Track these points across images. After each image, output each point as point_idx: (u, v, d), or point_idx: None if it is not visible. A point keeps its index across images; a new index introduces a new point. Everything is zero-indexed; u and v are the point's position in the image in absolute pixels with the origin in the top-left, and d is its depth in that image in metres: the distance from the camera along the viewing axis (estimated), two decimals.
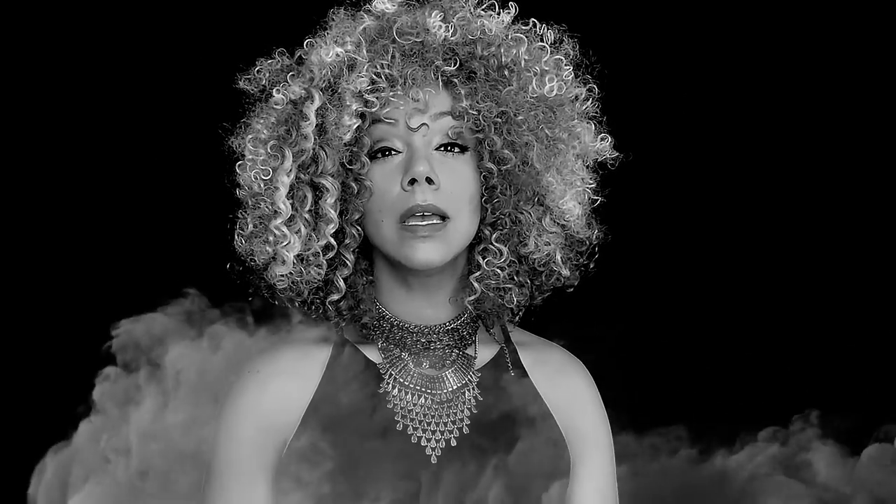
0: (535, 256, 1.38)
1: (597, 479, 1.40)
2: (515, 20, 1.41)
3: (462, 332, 1.39)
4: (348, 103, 1.31)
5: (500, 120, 1.33)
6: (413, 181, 1.30)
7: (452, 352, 1.38)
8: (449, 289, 1.38)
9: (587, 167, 1.42)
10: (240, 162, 1.38)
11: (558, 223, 1.38)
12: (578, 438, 1.40)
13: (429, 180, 1.30)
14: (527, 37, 1.38)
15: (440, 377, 1.37)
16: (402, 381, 1.35)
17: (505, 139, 1.33)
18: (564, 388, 1.41)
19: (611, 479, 1.42)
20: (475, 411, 1.35)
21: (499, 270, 1.37)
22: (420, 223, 1.31)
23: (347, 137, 1.31)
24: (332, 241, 1.33)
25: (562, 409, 1.40)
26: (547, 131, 1.35)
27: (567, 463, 1.37)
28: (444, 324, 1.38)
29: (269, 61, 1.40)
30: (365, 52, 1.32)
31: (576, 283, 1.42)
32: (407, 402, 1.34)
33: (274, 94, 1.35)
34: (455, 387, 1.36)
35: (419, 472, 1.30)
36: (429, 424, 1.33)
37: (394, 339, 1.37)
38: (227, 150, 1.40)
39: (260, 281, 1.37)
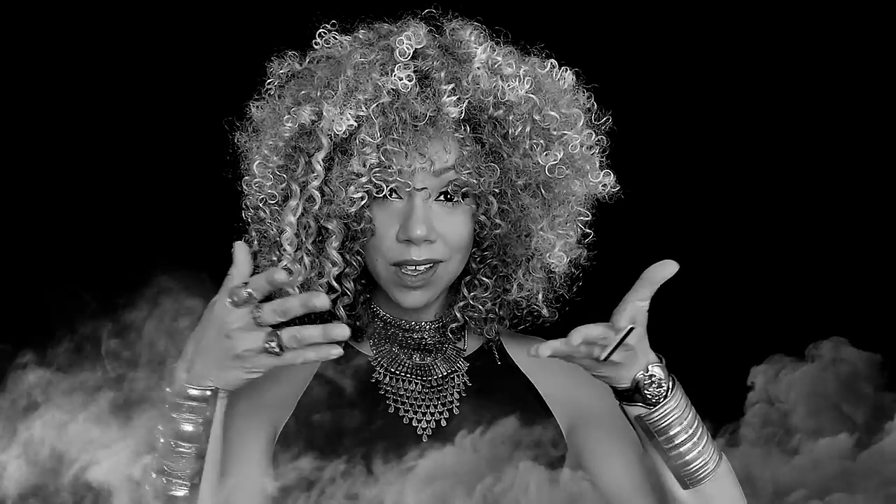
0: (517, 297, 1.42)
1: (622, 452, 1.40)
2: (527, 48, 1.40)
3: (450, 326, 1.45)
4: (357, 175, 1.31)
5: (498, 186, 1.35)
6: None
7: (442, 345, 1.45)
8: (440, 297, 1.43)
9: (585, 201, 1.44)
10: (246, 179, 1.39)
11: (544, 269, 1.41)
12: (587, 416, 1.43)
13: (427, 240, 1.33)
14: (538, 97, 1.36)
15: (430, 365, 1.43)
16: (392, 370, 1.43)
17: (500, 204, 1.36)
18: (559, 373, 1.42)
19: (630, 444, 1.38)
20: (465, 395, 1.42)
21: (480, 306, 1.42)
22: (412, 273, 1.34)
23: (353, 209, 1.32)
24: (335, 283, 1.36)
25: (561, 394, 1.45)
26: (545, 194, 1.37)
27: (552, 438, 1.40)
28: (433, 320, 1.44)
29: (280, 63, 1.40)
30: (377, 130, 1.30)
31: (554, 320, 1.46)
32: (398, 388, 1.41)
33: (284, 120, 1.34)
34: (444, 373, 1.43)
35: (408, 446, 1.32)
36: (419, 407, 1.40)
37: (385, 335, 1.44)
38: (231, 145, 1.42)
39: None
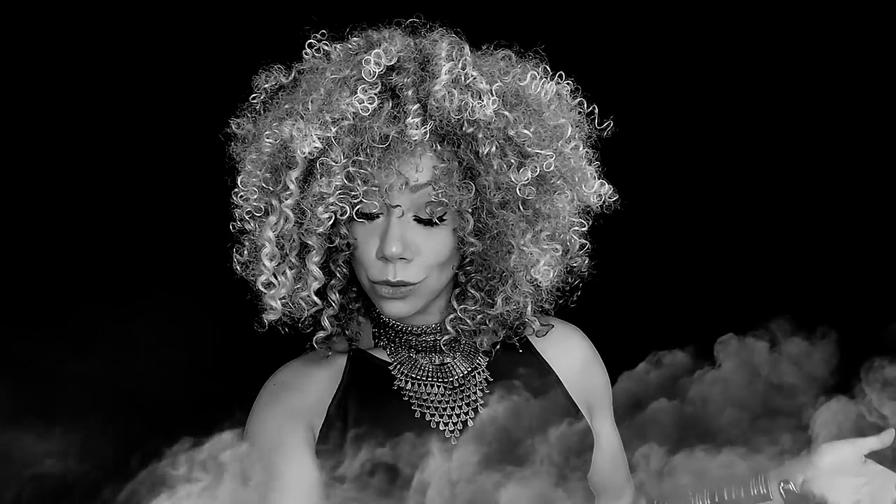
0: (503, 310, 1.40)
1: (609, 428, 1.56)
2: (521, 52, 1.39)
3: (446, 326, 1.44)
4: (323, 197, 1.31)
5: (473, 204, 1.33)
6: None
7: (458, 343, 1.45)
8: (441, 301, 1.44)
9: (581, 211, 1.42)
10: (234, 191, 1.40)
11: (531, 284, 1.39)
12: (593, 398, 1.53)
13: (402, 258, 1.33)
14: (512, 114, 1.33)
15: (449, 365, 1.44)
16: (413, 375, 1.43)
17: (477, 222, 1.34)
18: (573, 356, 1.52)
19: (613, 426, 1.57)
20: (487, 391, 1.43)
21: (469, 319, 1.42)
22: (385, 289, 1.35)
23: (321, 229, 1.32)
24: (316, 298, 1.37)
25: (575, 376, 1.51)
26: (524, 211, 1.35)
27: (584, 431, 1.45)
28: (441, 322, 1.45)
29: (266, 77, 1.41)
30: (341, 153, 1.30)
31: (546, 333, 1.48)
32: (421, 393, 1.42)
33: (265, 136, 1.34)
34: (465, 372, 1.44)
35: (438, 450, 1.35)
36: (444, 410, 1.41)
37: (400, 341, 1.45)
38: (227, 156, 1.43)
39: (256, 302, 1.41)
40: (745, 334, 1.63)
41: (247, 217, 1.38)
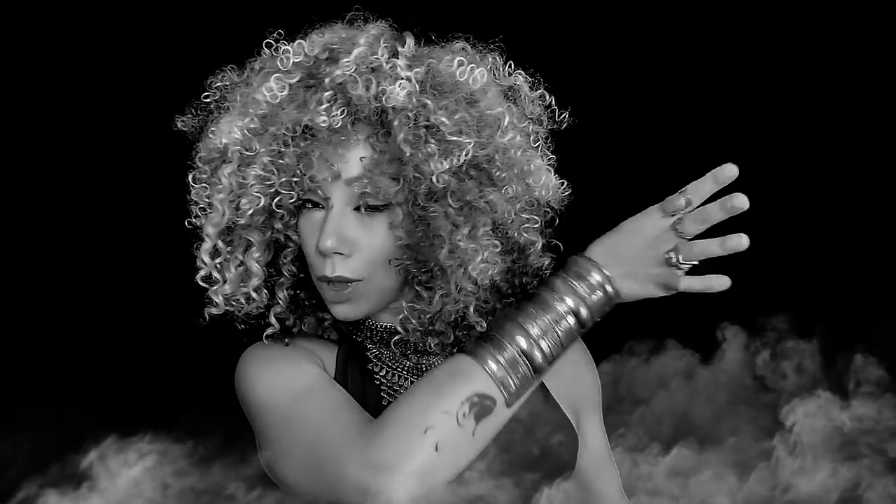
0: (443, 308, 1.34)
1: (597, 432, 1.48)
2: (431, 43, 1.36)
3: (393, 339, 1.41)
4: (241, 187, 1.30)
5: (402, 195, 1.29)
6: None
7: (437, 345, 1.39)
8: (403, 301, 1.39)
9: (536, 205, 1.38)
10: (190, 189, 1.38)
11: (471, 282, 1.33)
12: (581, 401, 1.46)
13: (337, 252, 1.30)
14: (435, 102, 1.28)
15: (426, 364, 1.41)
16: (390, 364, 1.40)
17: (406, 215, 1.30)
18: (564, 359, 1.37)
19: (602, 430, 1.50)
20: None
21: (414, 319, 1.36)
22: (329, 290, 1.33)
23: (244, 221, 1.31)
24: (255, 294, 1.35)
25: (562, 378, 1.44)
26: (452, 203, 1.29)
27: (566, 432, 1.40)
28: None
29: (220, 77, 1.39)
30: (256, 142, 1.28)
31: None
32: (393, 384, 1.39)
33: (210, 133, 1.33)
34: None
35: None
36: None
37: (377, 339, 1.42)
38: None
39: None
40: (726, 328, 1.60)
41: (199, 213, 1.36)
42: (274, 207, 1.31)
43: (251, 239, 1.33)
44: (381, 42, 1.31)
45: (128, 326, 2.17)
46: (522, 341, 1.23)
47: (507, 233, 1.35)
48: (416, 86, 1.28)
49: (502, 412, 1.22)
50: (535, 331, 1.23)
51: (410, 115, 1.28)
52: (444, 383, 1.21)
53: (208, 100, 1.38)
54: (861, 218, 2.23)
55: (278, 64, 1.30)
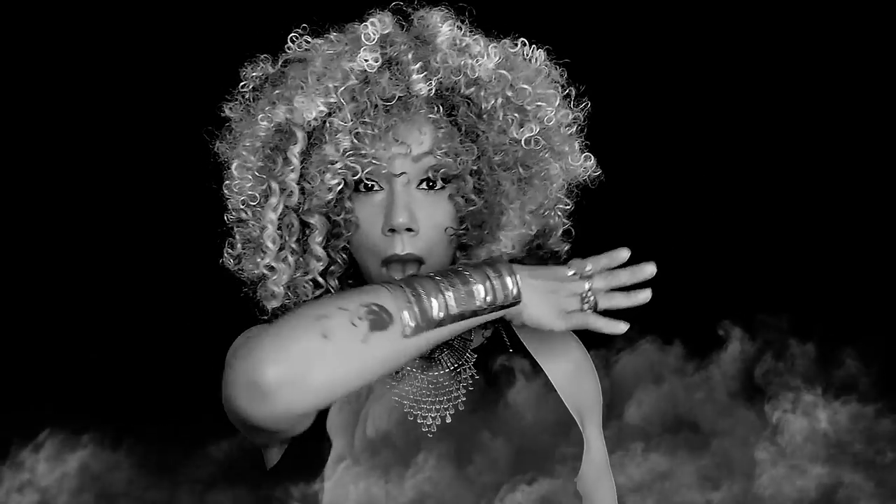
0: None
1: (597, 439, 1.48)
2: (499, 37, 1.39)
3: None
4: (331, 162, 1.32)
5: (476, 164, 1.34)
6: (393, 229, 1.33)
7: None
8: None
9: (567, 187, 1.42)
10: (226, 183, 1.40)
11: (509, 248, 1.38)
12: (583, 406, 1.46)
13: (408, 229, 1.32)
14: (511, 74, 1.35)
15: (436, 360, 1.40)
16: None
17: (476, 182, 1.35)
18: (565, 360, 1.46)
19: (601, 437, 1.50)
20: (472, 389, 1.38)
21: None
22: (399, 271, 1.34)
23: (329, 196, 1.33)
24: (321, 279, 1.37)
25: (566, 382, 1.45)
26: (522, 171, 1.36)
27: (573, 434, 1.41)
28: None
29: (253, 67, 1.41)
30: (348, 113, 1.31)
31: None
32: (402, 383, 1.37)
33: (259, 120, 1.36)
34: (451, 368, 1.39)
35: (416, 441, 1.32)
36: (424, 403, 1.36)
37: None
38: (212, 154, 1.43)
39: (253, 294, 1.40)
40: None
41: (241, 206, 1.38)
42: (367, 185, 1.33)
43: (312, 222, 1.35)
44: (450, 20, 1.36)
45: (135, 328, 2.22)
46: (432, 289, 1.21)
47: (544, 213, 1.41)
48: (496, 59, 1.34)
49: (397, 336, 1.17)
50: (444, 285, 1.22)
51: (494, 85, 1.34)
52: (348, 294, 1.20)
53: (245, 89, 1.40)
54: (861, 218, 2.24)
55: (362, 38, 1.33)
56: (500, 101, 1.35)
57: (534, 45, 1.41)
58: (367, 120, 1.31)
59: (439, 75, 1.33)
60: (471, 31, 1.38)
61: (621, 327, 1.29)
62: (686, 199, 2.31)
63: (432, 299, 1.19)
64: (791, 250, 2.21)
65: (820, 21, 2.23)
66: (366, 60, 1.31)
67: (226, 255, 1.41)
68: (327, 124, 1.32)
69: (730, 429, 1.43)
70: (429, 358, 1.40)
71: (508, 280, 1.25)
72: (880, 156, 2.25)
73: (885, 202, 2.21)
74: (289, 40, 1.42)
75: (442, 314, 1.20)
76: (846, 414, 1.35)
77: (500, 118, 1.35)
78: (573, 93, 1.42)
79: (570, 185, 1.43)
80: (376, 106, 1.31)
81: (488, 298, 1.23)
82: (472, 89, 1.34)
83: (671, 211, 2.28)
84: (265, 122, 1.35)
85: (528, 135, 1.35)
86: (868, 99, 2.24)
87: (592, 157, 1.43)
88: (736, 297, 2.00)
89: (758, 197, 2.31)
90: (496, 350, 1.44)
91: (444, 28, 1.35)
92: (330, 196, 1.33)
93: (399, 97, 1.32)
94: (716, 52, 2.27)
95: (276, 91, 1.37)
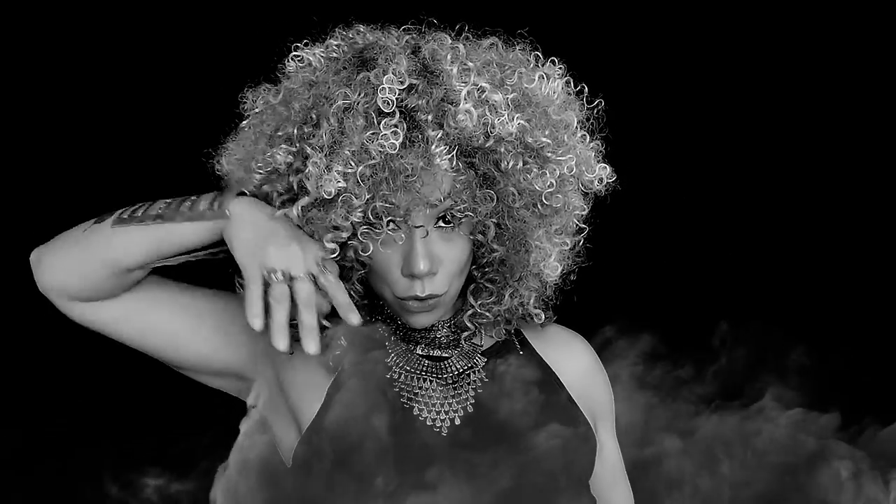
0: (511, 305, 1.41)
1: (611, 442, 1.50)
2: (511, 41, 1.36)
3: (464, 322, 1.43)
4: (336, 228, 1.29)
5: (495, 211, 1.33)
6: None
7: (458, 341, 1.43)
8: (471, 298, 1.43)
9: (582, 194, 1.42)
10: None
11: (538, 278, 1.40)
12: (596, 408, 1.47)
13: (430, 273, 1.32)
14: (528, 124, 1.30)
15: (446, 361, 1.41)
16: (407, 368, 1.40)
17: (497, 228, 1.34)
18: (576, 362, 1.47)
19: (615, 440, 1.51)
20: (480, 391, 1.39)
21: (487, 312, 1.41)
22: (416, 305, 1.34)
23: (323, 255, 1.29)
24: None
25: (577, 384, 1.46)
26: (542, 210, 1.35)
27: (592, 443, 1.43)
28: (445, 321, 1.43)
29: (253, 97, 1.38)
30: (365, 191, 1.26)
31: (548, 323, 1.46)
32: (412, 386, 1.38)
33: (255, 168, 1.33)
34: (460, 370, 1.41)
35: (427, 447, 1.34)
36: (433, 405, 1.38)
37: (401, 334, 1.43)
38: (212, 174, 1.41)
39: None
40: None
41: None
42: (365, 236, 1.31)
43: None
44: (461, 65, 1.29)
45: None
46: (156, 202, 1.35)
47: (568, 228, 1.40)
48: (516, 113, 1.30)
49: (107, 226, 1.34)
50: (167, 200, 1.35)
51: (513, 139, 1.30)
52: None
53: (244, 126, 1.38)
54: (860, 218, 2.26)
55: (379, 104, 1.25)
56: (518, 155, 1.31)
57: (550, 61, 1.37)
58: (383, 191, 1.26)
59: (458, 134, 1.27)
60: (470, 50, 1.33)
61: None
62: (686, 199, 2.31)
63: (147, 203, 1.35)
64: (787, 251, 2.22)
65: (820, 23, 2.24)
66: (388, 140, 1.24)
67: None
68: (343, 195, 1.27)
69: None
70: (438, 359, 1.42)
71: (222, 197, 1.32)
72: (881, 157, 2.26)
73: (885, 201, 2.22)
74: (288, 60, 1.36)
75: (143, 212, 1.34)
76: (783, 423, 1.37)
77: (520, 170, 1.31)
78: (586, 103, 1.39)
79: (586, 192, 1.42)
80: (395, 177, 1.26)
81: (191, 205, 1.33)
82: (491, 143, 1.29)
83: (671, 211, 2.29)
84: (261, 166, 1.32)
85: (548, 184, 1.33)
86: (867, 105, 2.27)
87: (608, 168, 1.41)
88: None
89: (758, 197, 2.31)
90: (506, 352, 1.45)
91: (462, 88, 1.27)
92: (322, 254, 1.29)
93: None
94: (715, 55, 2.28)
95: (279, 132, 1.32)
